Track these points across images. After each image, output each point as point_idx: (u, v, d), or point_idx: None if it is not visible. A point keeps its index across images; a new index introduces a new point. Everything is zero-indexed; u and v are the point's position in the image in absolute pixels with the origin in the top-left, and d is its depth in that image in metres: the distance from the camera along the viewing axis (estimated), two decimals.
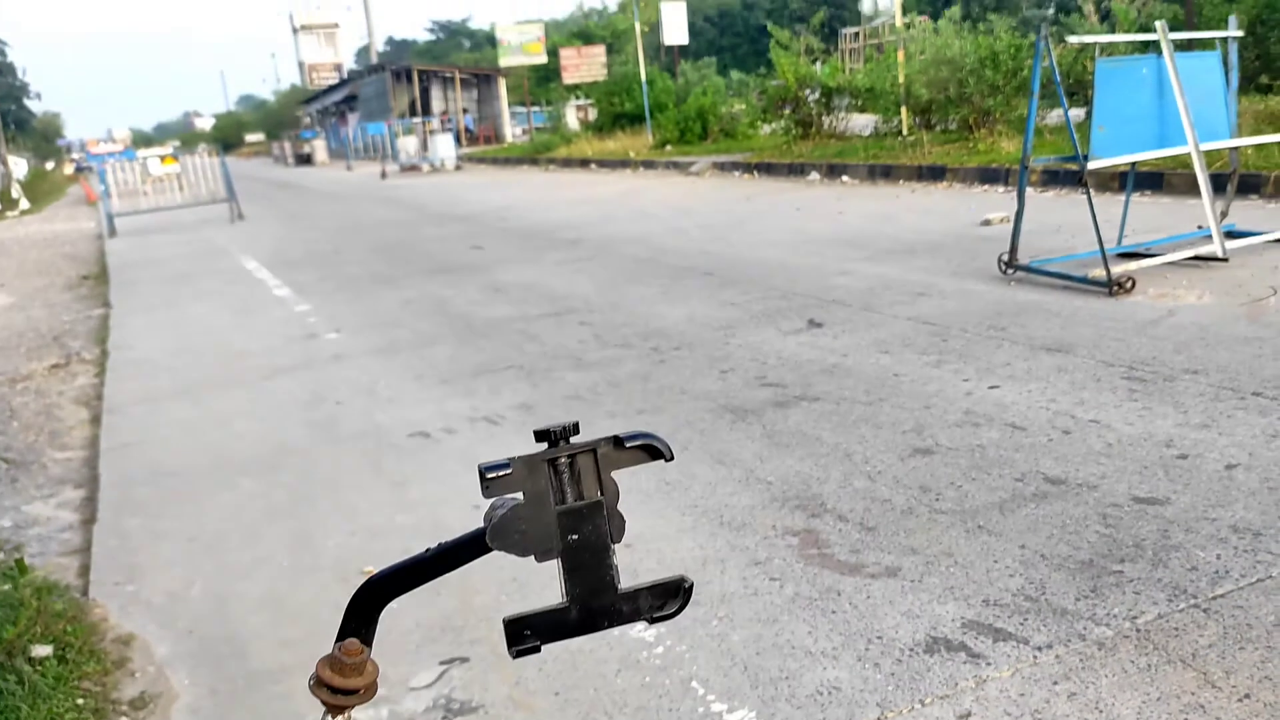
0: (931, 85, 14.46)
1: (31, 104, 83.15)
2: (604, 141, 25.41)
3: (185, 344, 7.44)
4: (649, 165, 20.51)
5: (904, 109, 15.77)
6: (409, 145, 31.69)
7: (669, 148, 22.18)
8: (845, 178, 14.27)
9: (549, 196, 16.76)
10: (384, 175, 28.30)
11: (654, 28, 40.81)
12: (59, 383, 6.80)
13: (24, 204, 30.18)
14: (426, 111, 46.06)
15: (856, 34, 53.68)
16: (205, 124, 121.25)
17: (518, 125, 46.91)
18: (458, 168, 29.09)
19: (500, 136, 45.38)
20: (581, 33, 51.88)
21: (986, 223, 9.00)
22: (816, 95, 18.03)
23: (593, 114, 31.35)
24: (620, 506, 0.82)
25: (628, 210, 13.33)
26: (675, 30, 26.05)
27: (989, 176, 11.93)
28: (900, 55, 15.89)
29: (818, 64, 19.83)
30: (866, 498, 3.44)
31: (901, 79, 15.54)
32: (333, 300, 8.65)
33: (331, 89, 65.31)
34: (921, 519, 3.22)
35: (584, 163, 23.51)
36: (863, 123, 18.24)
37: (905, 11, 18.53)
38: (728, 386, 4.91)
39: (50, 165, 67.94)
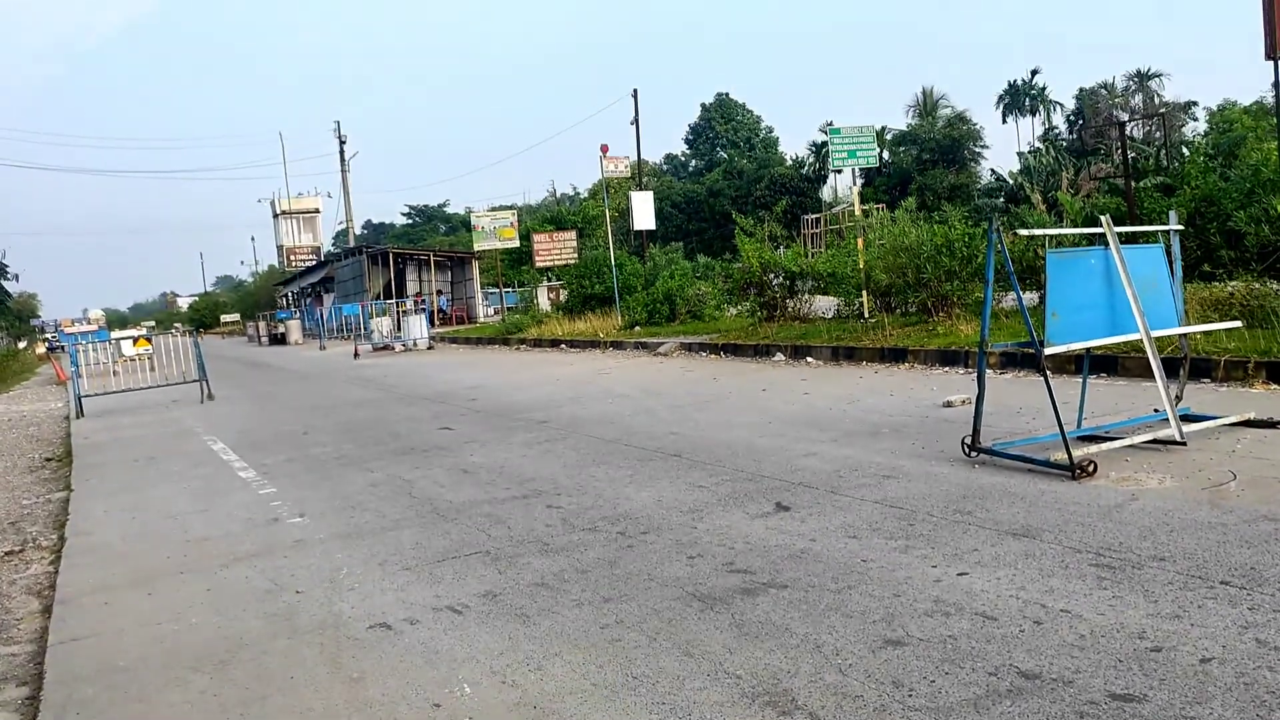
0: (891, 271, 14.97)
1: (9, 284, 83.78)
2: (574, 322, 25.86)
3: (145, 529, 7.26)
4: (618, 346, 20.82)
5: (865, 293, 16.26)
6: (383, 325, 32.09)
7: (638, 329, 22.59)
8: (810, 359, 14.54)
9: (519, 376, 16.89)
10: (357, 355, 28.51)
11: (623, 214, 42.32)
12: (11, 571, 6.57)
13: None
14: (401, 292, 46.90)
15: (817, 220, 55.91)
16: (184, 303, 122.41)
17: (490, 305, 47.83)
18: (430, 347, 29.39)
19: (473, 316, 46.14)
20: (554, 218, 53.75)
21: (948, 404, 9.14)
22: (780, 279, 18.58)
23: (564, 295, 32.07)
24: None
25: (597, 390, 13.44)
26: (644, 216, 26.99)
27: (949, 359, 12.20)
28: (860, 242, 16.51)
29: (781, 249, 20.54)
30: (838, 693, 3.34)
31: (862, 264, 16.09)
32: (298, 483, 8.53)
33: (309, 270, 66.65)
34: (895, 717, 3.12)
35: (555, 343, 23.84)
36: (825, 305, 18.74)
37: (863, 200, 19.37)
38: (696, 573, 4.83)
39: (23, 345, 67.92)
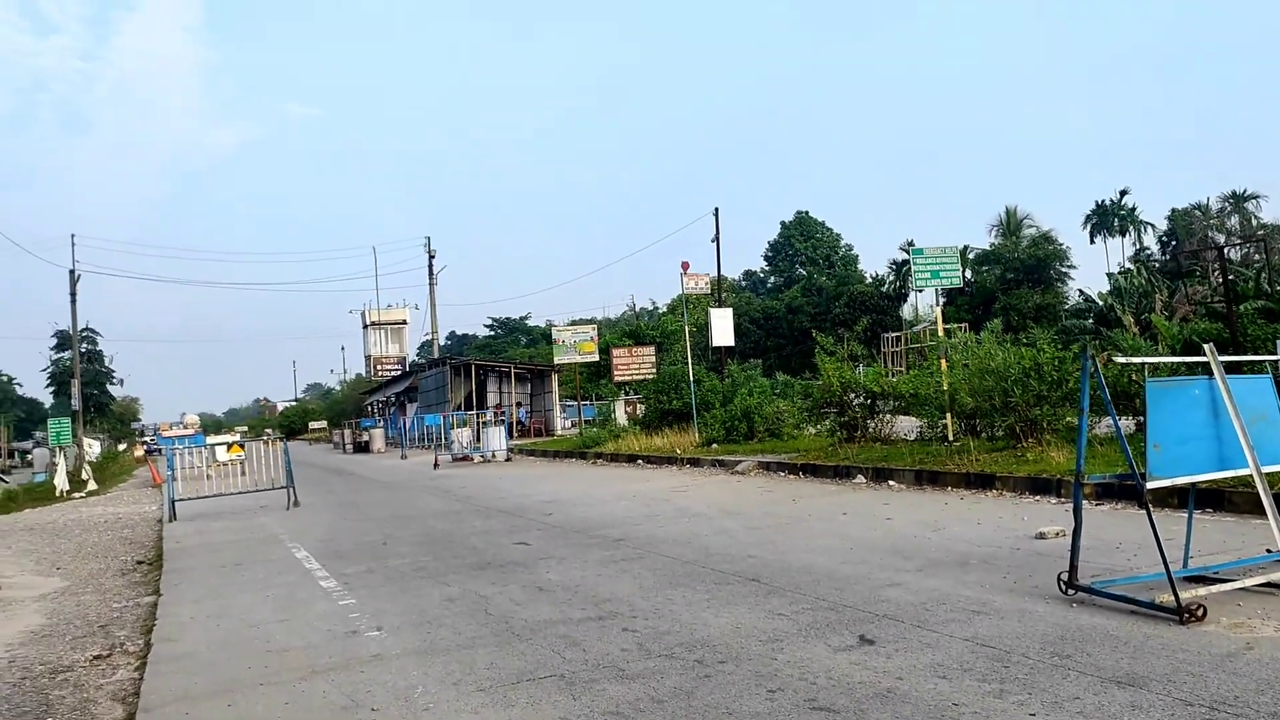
0: (976, 393, 14.66)
1: (114, 389, 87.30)
2: (651, 438, 25.79)
3: (229, 638, 7.30)
4: (695, 463, 20.67)
5: (949, 415, 15.95)
6: (463, 436, 32.45)
7: (715, 446, 22.42)
8: (892, 482, 14.22)
9: (595, 491, 16.83)
10: (437, 465, 28.80)
11: (702, 329, 42.51)
12: (99, 676, 6.64)
13: (91, 485, 30.96)
14: (482, 403, 47.54)
15: (898, 338, 55.50)
16: (275, 409, 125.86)
17: (568, 418, 48.12)
18: (508, 459, 29.57)
19: (551, 429, 46.42)
20: (632, 332, 54.27)
21: (1041, 536, 8.80)
22: (861, 399, 18.35)
23: (641, 410, 32.11)
24: None
25: (673, 509, 13.29)
26: (722, 333, 27.07)
27: (1039, 487, 11.80)
28: (943, 363, 16.28)
29: (861, 368, 20.37)
30: None
31: (946, 386, 15.82)
32: (377, 595, 8.52)
33: (394, 380, 68.18)
34: None
35: (631, 458, 23.77)
36: (907, 426, 18.40)
37: (946, 320, 19.17)
38: (776, 708, 4.64)
39: (123, 447, 70.32)
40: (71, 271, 47.80)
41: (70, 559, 13.28)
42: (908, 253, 67.78)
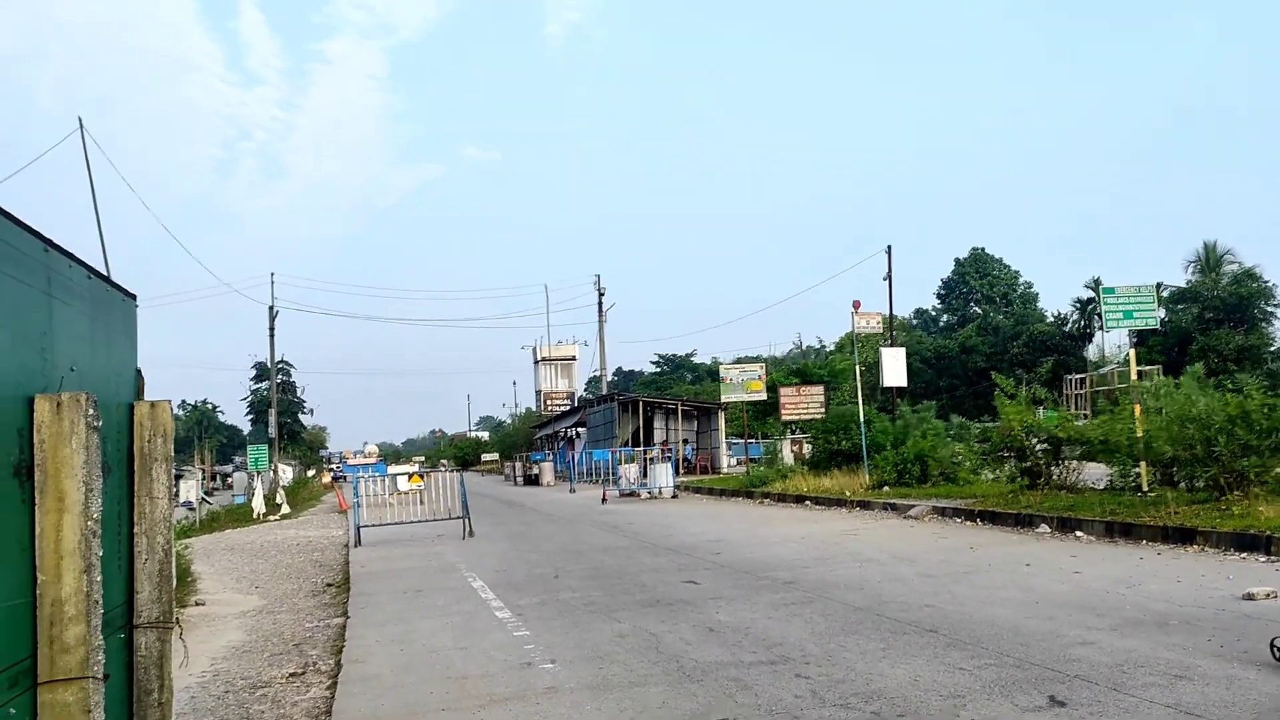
0: (1175, 441, 13.79)
1: (305, 418, 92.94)
2: (820, 479, 25.40)
3: (412, 662, 7.62)
4: (865, 506, 20.23)
5: (1143, 464, 15.07)
6: (630, 472, 32.84)
7: (886, 489, 21.90)
8: (1079, 533, 13.52)
9: (763, 532, 16.70)
10: (604, 499, 29.24)
11: (872, 368, 41.68)
12: (294, 692, 7.05)
13: (285, 509, 32.96)
14: (649, 439, 48.01)
15: (1082, 380, 52.88)
16: (448, 441, 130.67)
17: (734, 456, 47.95)
18: (675, 496, 29.71)
19: (717, 467, 46.38)
20: (800, 371, 53.66)
21: (1249, 597, 8.18)
22: (1044, 444, 17.58)
23: (809, 450, 31.68)
24: None
25: (844, 552, 13.05)
26: (894, 373, 26.48)
27: (1246, 543, 10.98)
28: (1137, 409, 15.41)
29: (1042, 411, 19.52)
30: None
31: (1140, 432, 14.96)
32: (550, 627, 8.73)
33: (563, 415, 69.75)
34: None
35: (799, 499, 23.49)
36: (1095, 474, 17.48)
37: (1138, 362, 18.15)
38: None
39: (312, 473, 74.56)
40: (270, 308, 51.33)
41: (267, 579, 14.18)
42: (1094, 290, 64.93)
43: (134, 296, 4.28)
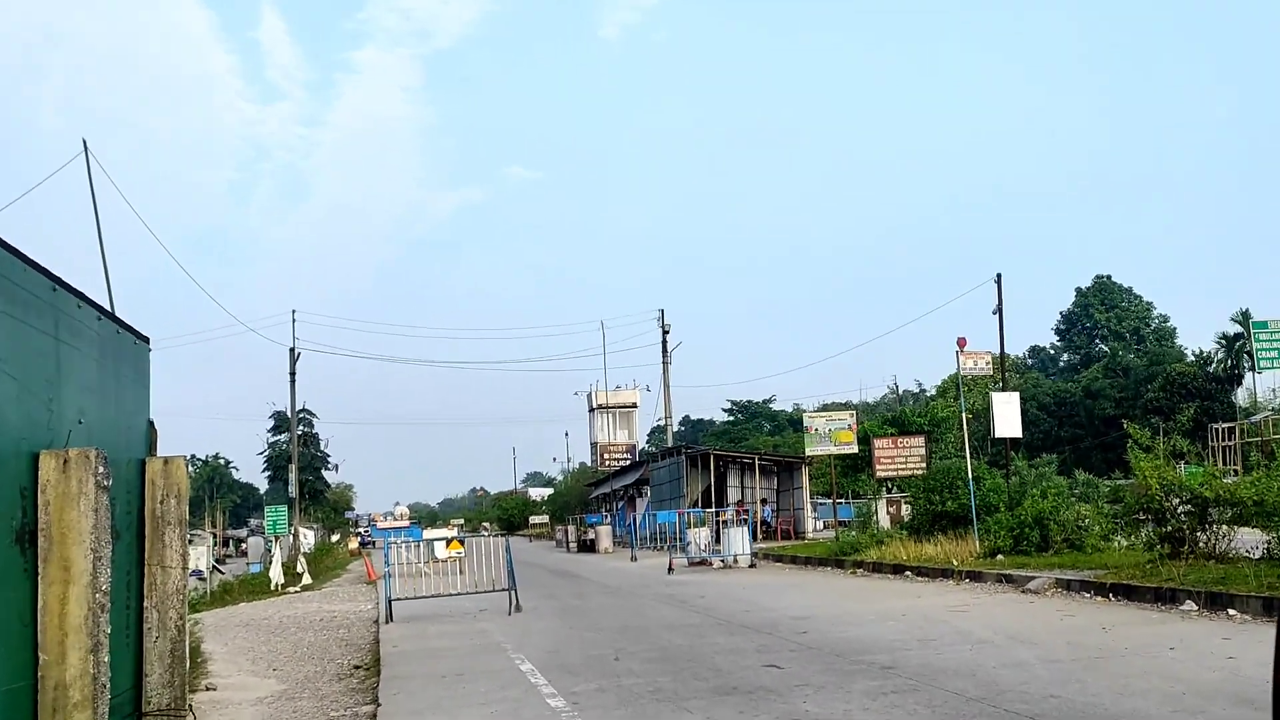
0: None
1: (329, 474, 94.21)
2: (921, 545, 25.02)
3: None
4: (975, 577, 19.88)
5: None
6: (700, 537, 32.66)
7: (1000, 557, 21.51)
8: (1232, 611, 13.11)
9: (856, 607, 16.47)
10: (671, 569, 29.10)
11: (980, 416, 41.11)
12: None
13: (306, 579, 33.35)
14: (722, 499, 47.79)
15: (1231, 430, 51.61)
16: (491, 501, 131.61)
17: (820, 519, 47.55)
18: (752, 565, 29.47)
19: (800, 530, 45.98)
20: (896, 419, 53.17)
21: None
22: (1187, 505, 17.15)
23: (908, 511, 31.26)
24: None
25: (951, 631, 12.81)
26: (1007, 422, 26.08)
27: None
28: None
29: (1183, 466, 19.06)
30: None
31: None
32: (611, 718, 8.67)
33: (622, 470, 69.78)
34: None
35: (897, 569, 23.15)
36: (1250, 540, 16.99)
37: None
38: None
39: (336, 538, 75.47)
40: (291, 349, 52.24)
41: (286, 660, 14.32)
42: (1242, 324, 63.55)
43: (147, 340, 4.39)
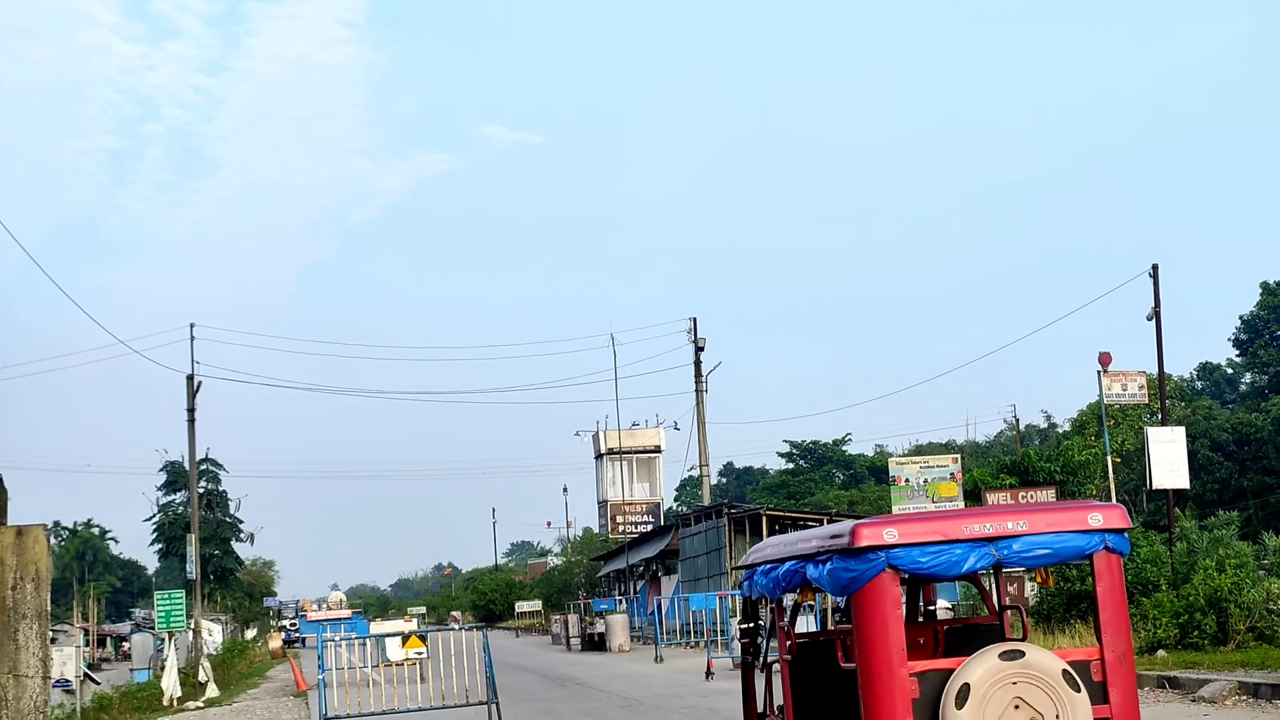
0: None
1: (241, 547, 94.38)
2: (1054, 637, 24.98)
3: None
4: None
5: None
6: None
7: (1162, 653, 21.45)
8: None
9: None
10: (709, 674, 29.02)
11: (1131, 460, 40.88)
12: None
13: (211, 690, 33.41)
14: None
15: None
16: (463, 582, 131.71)
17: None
18: None
19: None
20: (1016, 465, 52.97)
21: None
22: None
23: (1033, 591, 31.15)
24: None
25: None
26: (1169, 467, 26.00)
27: None
28: None
29: None
30: None
31: None
32: None
33: (642, 539, 69.52)
34: None
35: None
36: None
37: None
38: None
39: (252, 633, 75.59)
40: (190, 377, 52.15)
41: None
42: None
43: None
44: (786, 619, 7.72)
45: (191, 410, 51.86)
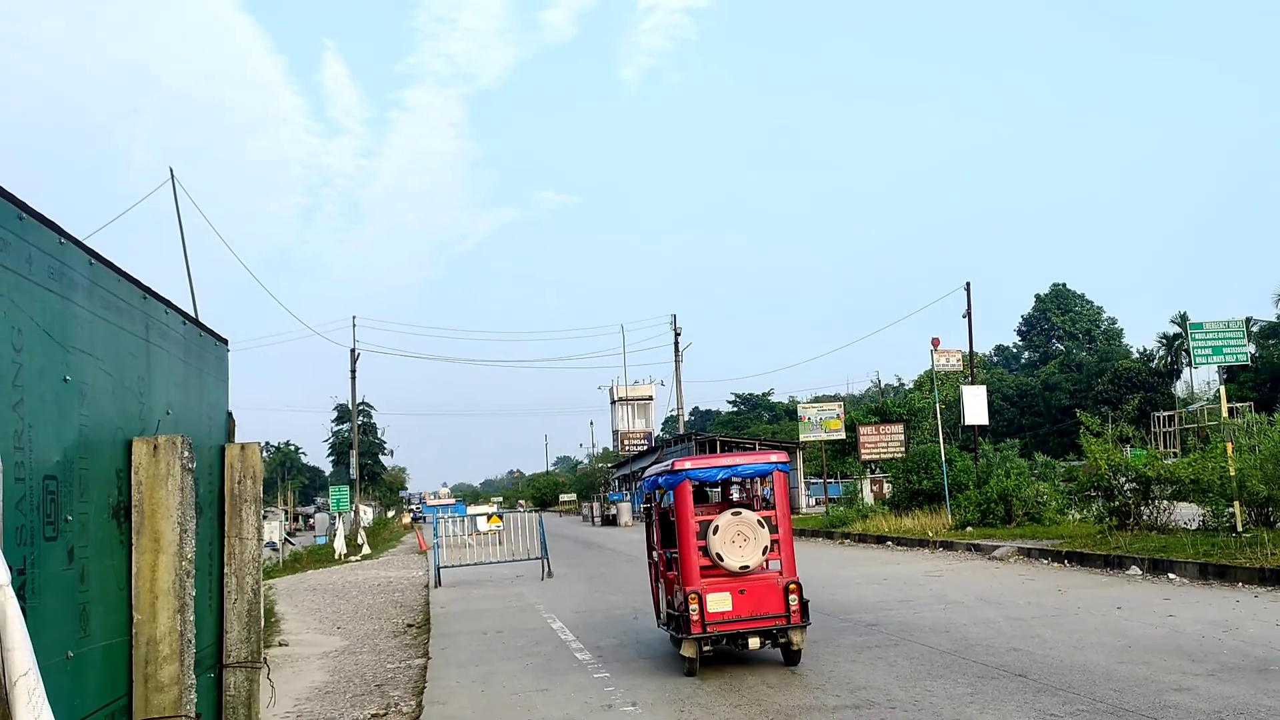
0: (1270, 481, 13.26)
1: (385, 459, 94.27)
2: (901, 519, 24.91)
3: (493, 703, 7.63)
4: (948, 546, 19.77)
5: (1237, 504, 14.48)
6: None
7: (970, 529, 21.38)
8: (1172, 575, 13.00)
9: (845, 573, 16.40)
10: None
11: (951, 407, 40.81)
12: None
13: (366, 549, 33.42)
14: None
15: (1170, 418, 51.19)
16: (526, 482, 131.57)
17: (812, 496, 47.35)
18: None
19: (796, 507, 45.84)
20: (878, 409, 52.84)
21: None
22: (1132, 483, 17.01)
23: (889, 490, 31.11)
24: None
25: (928, 594, 12.74)
26: (975, 411, 25.89)
27: None
28: (1229, 447, 14.86)
29: (1129, 450, 18.89)
30: None
31: (1233, 471, 14.40)
32: (631, 669, 8.67)
33: (640, 455, 69.59)
34: None
35: (880, 539, 23.05)
36: (1187, 514, 16.85)
37: (1228, 399, 17.51)
38: None
39: (392, 514, 75.55)
40: (352, 351, 52.23)
41: (348, 619, 14.35)
42: (1181, 326, 62.98)
43: (226, 341, 4.41)
44: (656, 501, 9.92)
45: (353, 371, 51.91)
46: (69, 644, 2.63)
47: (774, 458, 8.95)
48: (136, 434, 3.09)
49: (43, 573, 2.47)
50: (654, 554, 10.03)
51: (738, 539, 8.43)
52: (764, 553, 8.45)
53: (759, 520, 8.52)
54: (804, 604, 8.24)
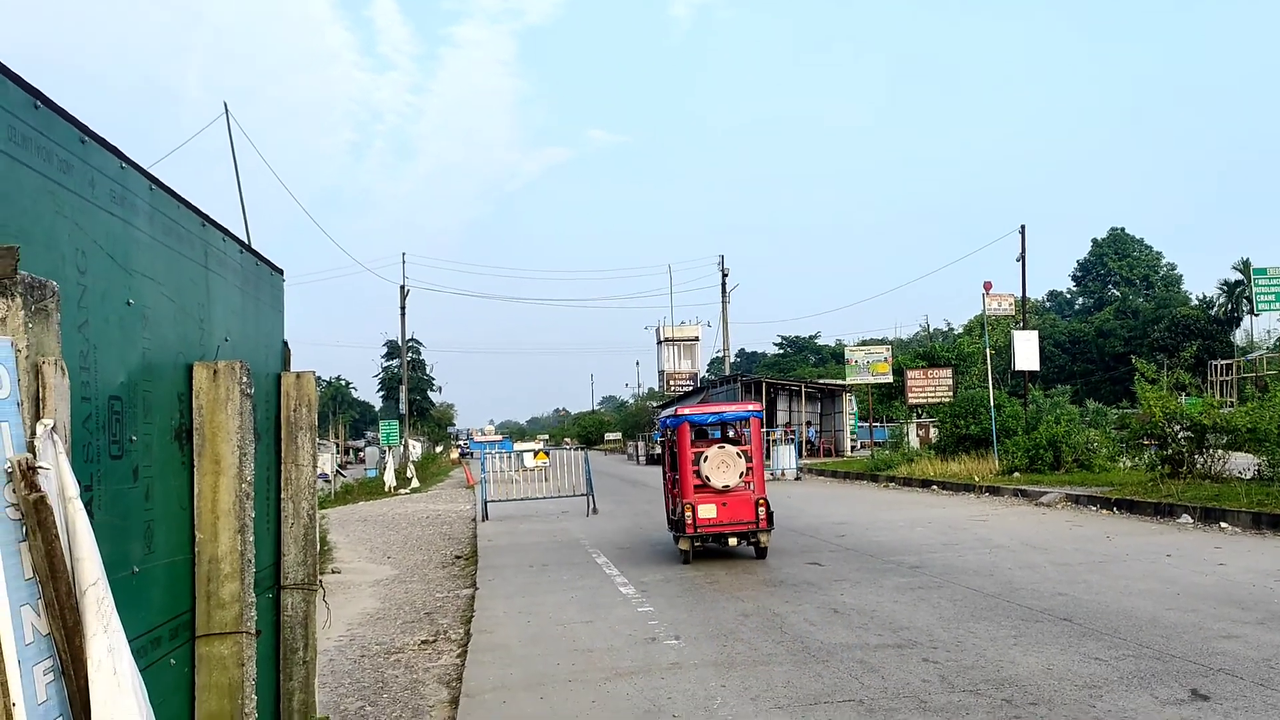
0: None
1: (434, 395, 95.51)
2: (947, 463, 24.78)
3: (539, 634, 7.78)
4: (994, 491, 19.66)
5: None
6: None
7: (1017, 475, 21.23)
8: (1224, 524, 12.84)
9: (888, 515, 16.41)
10: None
11: (1001, 352, 40.28)
12: (426, 659, 7.28)
13: (415, 483, 34.03)
14: (772, 421, 47.65)
15: (1229, 366, 50.09)
16: (572, 420, 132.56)
17: (858, 440, 47.24)
18: (798, 478, 29.46)
19: (840, 450, 45.78)
20: (927, 354, 52.29)
21: None
22: (1186, 431, 16.73)
23: (936, 434, 30.91)
24: None
25: (972, 538, 12.71)
26: (1026, 356, 25.55)
27: None
28: None
29: (1184, 397, 18.54)
30: None
31: None
32: (674, 604, 8.77)
33: (685, 395, 69.65)
34: None
35: (925, 483, 22.99)
36: (1242, 463, 16.57)
37: None
38: None
39: (440, 449, 76.67)
40: (402, 287, 52.62)
41: (398, 550, 14.67)
42: (1243, 272, 61.33)
43: (281, 271, 4.46)
44: (668, 437, 12.18)
45: (403, 308, 52.36)
46: (135, 560, 2.71)
47: (750, 407, 11.83)
48: (197, 359, 3.15)
49: (108, 490, 2.54)
50: (665, 475, 12.60)
51: (722, 466, 10.95)
52: (741, 476, 11.00)
53: (738, 453, 11.05)
54: (770, 514, 10.94)
